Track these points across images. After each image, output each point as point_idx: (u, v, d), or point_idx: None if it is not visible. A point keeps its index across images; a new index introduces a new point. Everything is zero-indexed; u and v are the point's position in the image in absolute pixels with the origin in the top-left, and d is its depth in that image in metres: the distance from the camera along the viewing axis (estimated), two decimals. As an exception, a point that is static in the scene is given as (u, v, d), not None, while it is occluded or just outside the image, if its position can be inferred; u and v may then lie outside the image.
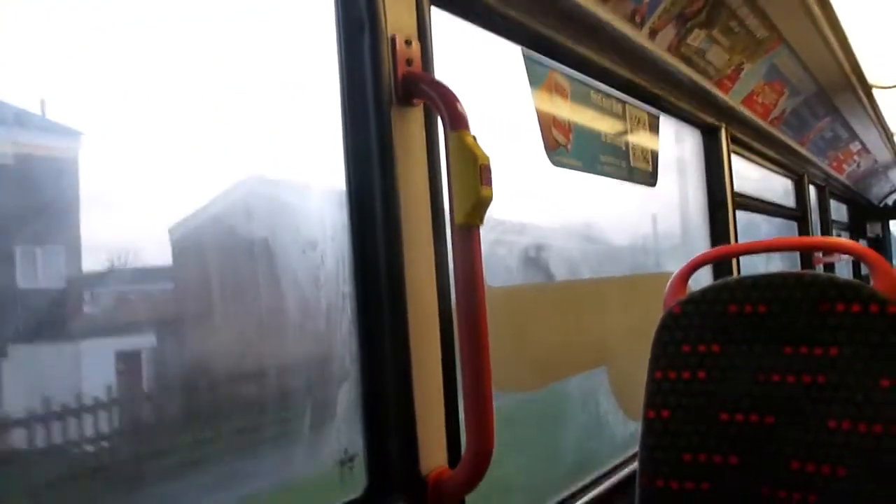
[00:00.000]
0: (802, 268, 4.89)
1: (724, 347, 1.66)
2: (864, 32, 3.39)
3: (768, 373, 1.62)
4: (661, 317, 1.73)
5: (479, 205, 1.29)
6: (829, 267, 5.51)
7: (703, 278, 2.50)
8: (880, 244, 8.64)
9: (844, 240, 3.02)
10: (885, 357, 1.50)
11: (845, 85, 4.16)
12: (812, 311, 1.59)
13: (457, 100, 1.34)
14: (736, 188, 3.44)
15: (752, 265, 3.66)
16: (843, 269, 6.33)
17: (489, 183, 1.29)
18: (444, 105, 1.35)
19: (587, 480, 2.15)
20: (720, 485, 1.62)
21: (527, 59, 2.02)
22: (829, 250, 4.26)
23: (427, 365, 1.41)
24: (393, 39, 1.40)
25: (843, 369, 1.54)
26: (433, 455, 1.40)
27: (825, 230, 5.85)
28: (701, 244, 3.29)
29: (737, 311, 1.66)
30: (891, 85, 4.26)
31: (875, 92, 4.39)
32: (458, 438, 1.45)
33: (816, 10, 2.99)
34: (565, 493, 2.06)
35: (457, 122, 1.31)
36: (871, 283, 1.60)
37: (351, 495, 1.34)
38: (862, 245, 2.34)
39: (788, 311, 1.61)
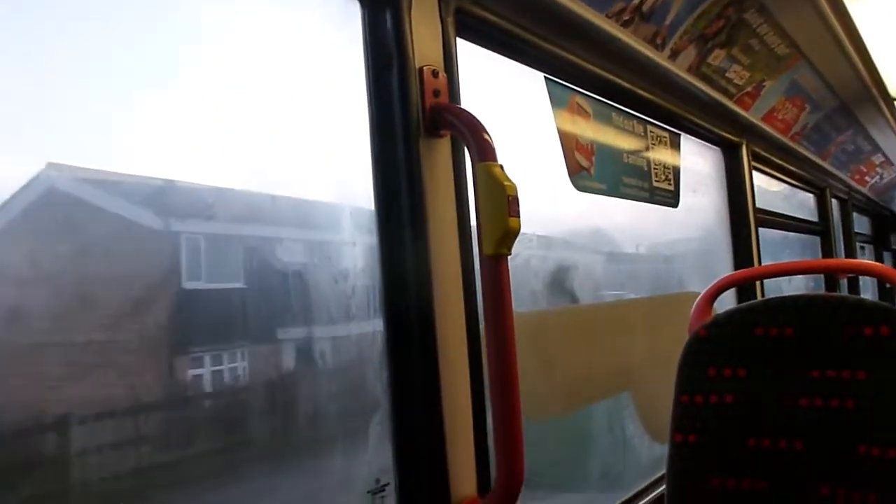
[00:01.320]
0: (826, 283, 4.86)
1: (750, 371, 1.66)
2: (884, 44, 3.38)
3: (796, 397, 1.61)
4: (687, 340, 1.73)
5: (508, 236, 1.30)
6: (854, 280, 5.46)
7: (725, 297, 2.49)
8: None
9: (869, 262, 3.00)
10: None
11: (866, 97, 4.14)
12: (839, 334, 1.58)
13: (484, 130, 1.35)
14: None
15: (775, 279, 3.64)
16: (869, 282, 6.26)
17: (517, 214, 1.30)
18: (471, 136, 1.36)
19: (614, 504, 2.15)
20: None
21: (549, 84, 2.04)
22: (855, 272, 4.23)
23: (456, 393, 1.42)
24: (420, 71, 1.42)
25: (871, 393, 1.53)
26: (463, 484, 1.40)
27: (848, 244, 5.80)
28: (723, 263, 3.27)
29: (763, 334, 1.65)
30: (913, 95, 4.24)
31: (897, 103, 4.38)
32: (487, 466, 1.46)
33: (836, 24, 2.99)
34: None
35: (484, 153, 1.33)
36: None
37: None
38: (887, 266, 2.33)
39: (815, 335, 1.60)
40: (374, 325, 1.45)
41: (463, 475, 1.41)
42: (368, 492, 1.38)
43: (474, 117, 1.38)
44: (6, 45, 1.06)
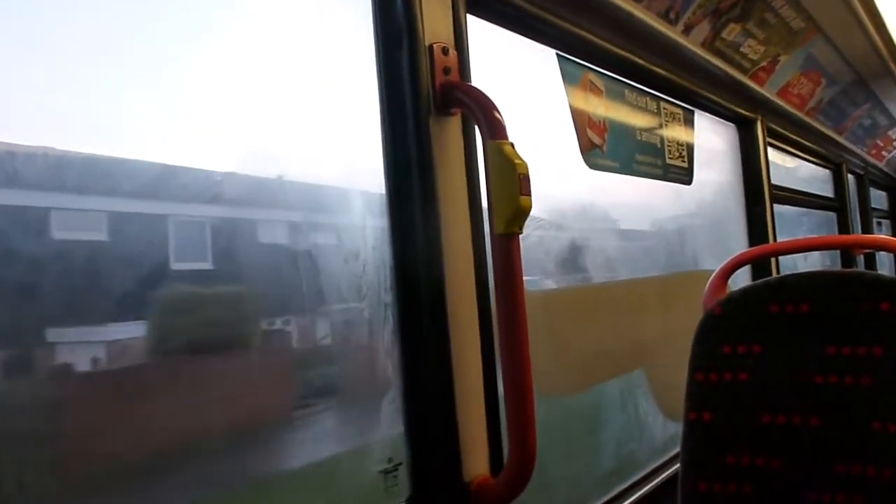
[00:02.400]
0: (842, 259, 4.82)
1: (765, 348, 1.65)
2: (902, 17, 3.33)
3: (811, 374, 1.61)
4: (702, 318, 1.72)
5: (519, 214, 1.29)
6: (871, 257, 5.41)
7: (740, 274, 2.47)
8: None
9: (886, 237, 2.97)
10: None
11: (883, 71, 4.09)
12: (856, 310, 1.57)
13: (495, 108, 1.34)
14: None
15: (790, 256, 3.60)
16: (886, 258, 6.21)
17: (528, 192, 1.29)
18: (481, 114, 1.35)
19: (628, 483, 2.15)
20: (763, 488, 1.61)
21: (561, 60, 2.02)
22: (872, 248, 4.19)
23: (468, 372, 1.41)
24: (430, 49, 1.41)
25: (887, 370, 1.52)
26: (475, 463, 1.40)
27: (865, 219, 5.75)
28: (737, 240, 3.25)
29: (778, 311, 1.64)
30: (931, 69, 4.18)
31: (915, 76, 4.31)
32: (500, 446, 1.46)
33: (853, -3, 2.94)
34: (606, 497, 2.06)
35: (495, 131, 1.32)
36: None
37: None
38: None
39: (831, 311, 1.59)
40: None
41: (475, 455, 1.41)
42: (380, 471, 1.39)
43: (485, 95, 1.37)
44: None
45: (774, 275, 2.32)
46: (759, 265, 3.01)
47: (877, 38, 3.45)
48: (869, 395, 1.54)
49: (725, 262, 1.95)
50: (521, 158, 1.29)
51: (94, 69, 1.16)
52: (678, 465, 1.71)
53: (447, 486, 1.37)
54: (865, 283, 1.57)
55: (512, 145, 1.31)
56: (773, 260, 3.11)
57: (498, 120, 1.32)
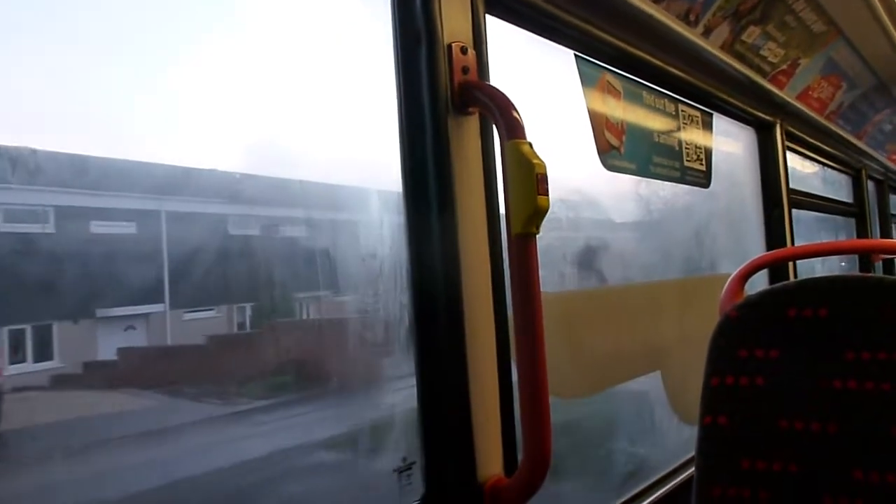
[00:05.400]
0: (861, 265, 4.77)
1: (783, 353, 1.63)
2: (924, 21, 3.29)
3: (829, 379, 1.59)
4: (718, 321, 1.71)
5: (536, 214, 1.28)
6: (889, 263, 5.36)
7: (757, 279, 2.45)
8: None
9: None
10: None
11: (905, 75, 4.06)
12: (875, 315, 1.55)
13: (513, 108, 1.33)
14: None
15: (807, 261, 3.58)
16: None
17: (546, 192, 1.28)
18: (500, 113, 1.34)
19: (643, 486, 2.14)
20: (779, 493, 1.60)
21: (579, 61, 2.01)
22: (891, 253, 4.16)
23: (483, 373, 1.41)
24: (449, 48, 1.41)
25: None
26: (490, 463, 1.40)
27: (884, 225, 5.69)
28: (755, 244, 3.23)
29: (796, 315, 1.63)
30: (953, 73, 4.13)
31: (936, 80, 4.27)
32: (514, 446, 1.45)
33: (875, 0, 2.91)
34: (622, 499, 2.05)
35: (513, 130, 1.31)
36: None
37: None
38: None
39: (851, 316, 1.57)
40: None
41: (489, 455, 1.40)
42: (394, 470, 1.39)
43: (503, 94, 1.37)
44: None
45: (792, 279, 2.30)
46: (776, 270, 2.99)
47: (898, 41, 3.42)
48: (889, 401, 1.52)
49: (743, 265, 1.94)
50: (539, 158, 1.29)
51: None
52: (693, 469, 1.70)
53: (461, 485, 1.36)
54: (885, 288, 1.55)
55: (530, 145, 1.31)
56: (790, 264, 3.08)
57: (516, 119, 1.32)
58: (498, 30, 1.62)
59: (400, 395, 1.52)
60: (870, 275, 1.63)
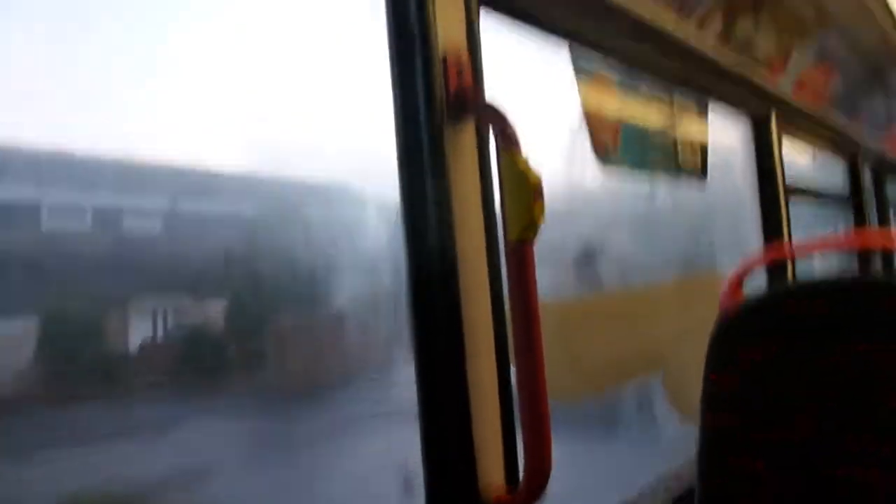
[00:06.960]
0: (859, 255, 4.75)
1: (782, 351, 1.63)
2: (912, 5, 3.29)
3: (830, 376, 1.58)
4: (717, 320, 1.70)
5: (532, 224, 1.27)
6: (888, 255, 5.35)
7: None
8: None
9: None
10: None
11: (897, 61, 4.05)
12: (876, 314, 1.54)
13: (507, 121, 1.32)
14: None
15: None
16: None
17: (541, 202, 1.27)
18: (494, 126, 1.34)
19: (644, 488, 2.13)
20: (779, 492, 1.59)
21: (573, 57, 1.99)
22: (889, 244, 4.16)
23: (483, 382, 1.40)
24: (444, 56, 1.39)
25: None
26: (491, 474, 1.39)
27: (882, 213, 5.68)
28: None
29: (795, 314, 1.62)
30: (944, 56, 4.12)
31: (929, 64, 4.26)
32: (515, 457, 1.44)
33: (863, -13, 2.90)
34: (626, 498, 2.05)
35: (508, 142, 1.30)
36: None
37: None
38: None
39: (850, 315, 1.57)
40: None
41: (490, 465, 1.39)
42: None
43: (497, 108, 1.36)
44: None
45: (790, 273, 2.29)
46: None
47: (889, 27, 3.40)
48: (890, 399, 1.51)
49: (742, 264, 1.93)
50: (534, 171, 1.28)
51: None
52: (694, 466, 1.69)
53: (462, 497, 1.35)
54: (885, 288, 1.54)
55: (525, 157, 1.30)
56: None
57: (511, 133, 1.31)
58: (492, 28, 1.61)
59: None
60: (869, 275, 1.62)
